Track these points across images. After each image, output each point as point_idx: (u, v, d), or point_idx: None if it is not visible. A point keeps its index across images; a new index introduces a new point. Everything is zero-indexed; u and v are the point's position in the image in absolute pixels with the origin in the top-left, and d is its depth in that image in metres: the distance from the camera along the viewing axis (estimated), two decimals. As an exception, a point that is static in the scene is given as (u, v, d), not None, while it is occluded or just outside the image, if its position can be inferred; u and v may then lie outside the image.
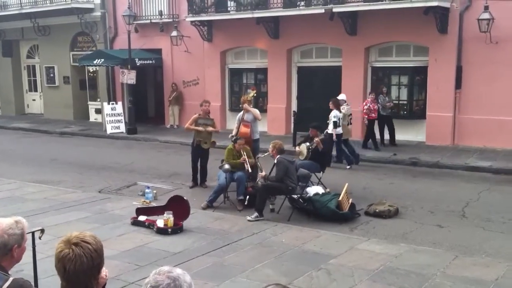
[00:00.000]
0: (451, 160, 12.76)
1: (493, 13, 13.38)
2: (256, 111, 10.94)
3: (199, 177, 10.81)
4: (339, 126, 12.30)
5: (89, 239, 2.37)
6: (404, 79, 15.69)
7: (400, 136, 15.46)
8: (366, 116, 14.20)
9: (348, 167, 12.46)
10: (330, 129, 12.19)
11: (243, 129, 10.56)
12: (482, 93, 13.81)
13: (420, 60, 15.29)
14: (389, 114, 14.58)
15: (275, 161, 8.89)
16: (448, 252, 6.90)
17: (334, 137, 12.19)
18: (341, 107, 12.76)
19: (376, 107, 14.13)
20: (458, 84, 14.45)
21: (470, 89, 13.94)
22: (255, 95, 11.58)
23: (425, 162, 12.76)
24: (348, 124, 13.10)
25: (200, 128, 10.66)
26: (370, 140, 14.31)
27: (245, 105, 10.75)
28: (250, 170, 9.34)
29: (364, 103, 14.33)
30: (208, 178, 10.86)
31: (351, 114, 13.45)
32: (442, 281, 5.89)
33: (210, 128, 10.69)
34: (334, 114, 12.35)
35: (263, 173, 8.92)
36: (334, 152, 12.46)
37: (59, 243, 2.35)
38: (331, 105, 12.58)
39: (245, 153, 9.46)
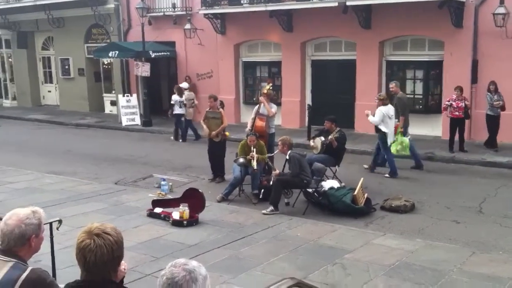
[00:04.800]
0: (467, 155, 12.65)
1: (509, 8, 13.20)
2: (272, 107, 10.72)
3: (216, 170, 10.78)
4: (181, 107, 15.62)
5: (111, 231, 2.39)
6: (419, 74, 15.54)
7: (415, 130, 15.32)
8: (446, 112, 12.98)
9: (194, 139, 15.51)
10: (177, 110, 15.62)
11: (259, 123, 10.50)
12: (498, 87, 13.61)
13: (435, 54, 15.14)
14: (497, 113, 12.82)
15: (287, 157, 8.86)
16: (464, 248, 6.85)
17: (170, 114, 16.04)
18: (184, 93, 15.96)
19: (461, 104, 12.65)
20: (474, 78, 14.31)
21: (486, 84, 13.76)
22: (271, 88, 11.38)
23: (441, 157, 12.65)
24: (190, 107, 16.17)
25: (205, 127, 10.66)
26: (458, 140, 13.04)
27: (261, 98, 10.67)
28: (255, 168, 9.21)
29: (448, 99, 13.07)
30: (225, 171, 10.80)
31: (192, 99, 16.61)
32: (459, 277, 5.86)
33: (213, 133, 10.53)
34: (174, 98, 15.72)
35: (277, 171, 8.88)
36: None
37: (80, 233, 2.38)
38: (175, 90, 15.96)
39: (254, 150, 9.35)
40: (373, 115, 10.94)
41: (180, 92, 15.97)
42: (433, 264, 6.19)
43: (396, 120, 11.21)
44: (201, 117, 11.63)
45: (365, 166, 11.80)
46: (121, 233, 2.45)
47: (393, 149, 10.95)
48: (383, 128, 10.83)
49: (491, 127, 13.04)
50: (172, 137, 16.18)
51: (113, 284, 2.43)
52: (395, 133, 11.01)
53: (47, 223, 4.80)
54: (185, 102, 15.85)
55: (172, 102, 15.92)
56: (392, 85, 12.23)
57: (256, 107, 10.86)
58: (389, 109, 10.95)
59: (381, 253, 6.59)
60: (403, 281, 5.80)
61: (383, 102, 10.93)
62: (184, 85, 16.95)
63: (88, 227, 2.41)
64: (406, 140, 11.09)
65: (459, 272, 6.00)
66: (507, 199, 9.35)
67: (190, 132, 15.98)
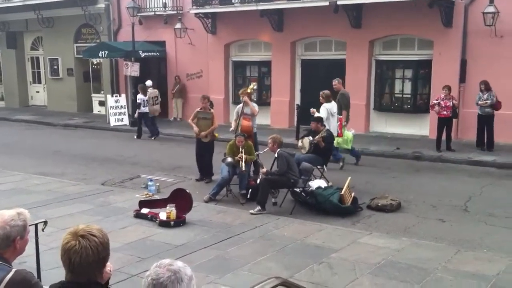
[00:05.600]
0: (455, 154, 12.73)
1: (498, 7, 13.30)
2: (254, 106, 10.86)
3: (204, 170, 10.78)
4: (144, 106, 16.08)
5: (96, 232, 2.39)
6: (408, 73, 15.63)
7: (403, 130, 15.45)
8: (433, 111, 13.16)
9: (152, 138, 16.19)
10: (141, 109, 16.12)
11: (245, 123, 10.53)
12: (490, 87, 13.67)
13: (424, 54, 15.23)
14: (487, 113, 12.78)
15: (276, 155, 8.88)
16: (450, 247, 6.90)
17: (136, 114, 16.37)
18: (147, 92, 16.32)
19: (449, 103, 12.77)
20: (462, 78, 14.41)
21: (474, 83, 13.87)
22: (255, 87, 11.49)
23: (428, 156, 12.73)
24: (153, 104, 16.50)
25: (195, 128, 10.60)
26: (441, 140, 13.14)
27: (245, 98, 10.70)
28: (243, 169, 9.23)
29: (436, 98, 13.24)
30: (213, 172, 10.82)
31: (156, 96, 16.82)
32: (444, 275, 5.90)
33: (203, 133, 10.53)
34: (139, 97, 16.17)
35: (264, 169, 8.90)
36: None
37: (66, 235, 2.37)
38: (139, 90, 16.34)
39: (243, 150, 9.36)
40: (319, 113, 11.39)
41: (145, 90, 16.33)
42: (419, 263, 6.22)
43: (339, 115, 11.75)
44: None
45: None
46: (107, 234, 2.45)
47: (334, 142, 11.12)
48: (326, 124, 11.10)
49: (480, 126, 13.07)
50: (135, 136, 16.50)
51: (98, 285, 2.43)
52: (341, 128, 11.45)
53: (32, 225, 4.78)
54: (148, 99, 16.30)
55: (138, 101, 16.28)
56: (335, 82, 12.82)
57: (239, 107, 10.92)
58: (333, 106, 11.55)
59: (367, 252, 6.62)
60: (389, 279, 5.83)
61: (326, 99, 11.47)
62: (149, 83, 17.19)
63: (73, 228, 2.40)
64: (350, 134, 11.46)
65: (444, 270, 6.04)
66: (492, 197, 9.43)
67: (145, 128, 16.48)
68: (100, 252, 2.35)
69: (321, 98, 11.56)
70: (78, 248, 2.31)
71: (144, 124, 16.38)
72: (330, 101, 11.51)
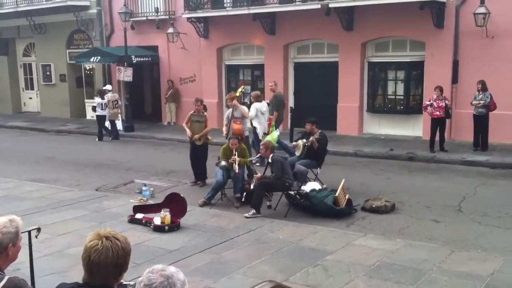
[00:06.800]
0: (448, 154, 12.78)
1: (489, 7, 13.38)
2: (244, 109, 10.96)
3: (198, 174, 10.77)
4: (103, 109, 16.76)
5: (120, 237, 2.41)
6: (401, 74, 15.69)
7: (397, 131, 15.50)
8: (426, 112, 13.19)
9: (110, 139, 16.92)
10: (99, 112, 16.91)
11: (236, 127, 10.61)
12: (487, 87, 13.70)
13: (416, 55, 15.29)
14: (481, 113, 12.78)
15: (269, 160, 8.88)
16: (444, 247, 6.91)
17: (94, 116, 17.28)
18: (106, 95, 16.91)
19: (441, 104, 12.81)
20: (455, 78, 14.48)
21: (467, 84, 13.95)
22: (243, 90, 11.67)
23: (422, 157, 12.77)
24: (113, 108, 17.01)
25: (188, 132, 10.62)
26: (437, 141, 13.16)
27: (235, 102, 10.77)
28: (237, 172, 9.23)
29: (428, 99, 13.26)
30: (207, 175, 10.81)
31: (116, 100, 17.29)
32: (438, 276, 5.91)
33: (196, 136, 10.52)
34: (96, 100, 17.00)
35: (258, 175, 8.90)
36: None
37: (90, 235, 2.39)
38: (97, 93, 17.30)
39: (236, 153, 9.36)
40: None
41: (102, 94, 17.06)
42: (413, 264, 6.24)
43: (271, 115, 12.26)
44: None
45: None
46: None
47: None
48: (255, 122, 11.90)
49: (476, 127, 13.09)
50: (97, 139, 17.07)
51: None
52: (269, 127, 11.74)
53: (25, 232, 4.76)
54: (106, 103, 16.86)
55: (94, 104, 17.13)
56: (271, 84, 13.87)
57: (229, 111, 10.97)
58: (262, 105, 12.14)
59: (362, 253, 6.63)
60: (384, 281, 5.83)
61: (256, 99, 12.07)
62: (108, 87, 17.84)
63: (99, 230, 2.43)
64: (275, 134, 11.68)
65: (438, 270, 6.06)
66: (485, 197, 9.46)
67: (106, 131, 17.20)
68: (120, 256, 2.34)
69: (252, 98, 12.23)
70: (100, 247, 2.32)
71: (98, 125, 17.10)
72: (260, 101, 12.10)
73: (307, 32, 16.45)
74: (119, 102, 17.71)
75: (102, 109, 16.82)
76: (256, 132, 11.95)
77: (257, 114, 11.85)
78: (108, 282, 2.38)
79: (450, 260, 6.37)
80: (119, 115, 17.71)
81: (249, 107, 11.94)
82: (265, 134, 11.59)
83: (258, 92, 12.69)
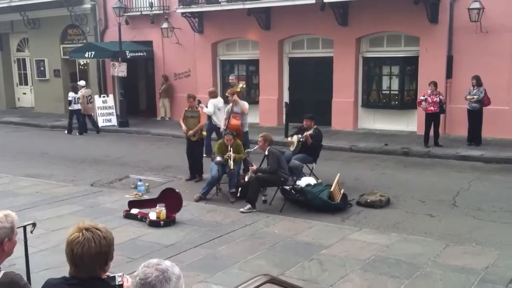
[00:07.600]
0: (442, 149, 12.83)
1: (483, 3, 13.40)
2: (244, 104, 10.93)
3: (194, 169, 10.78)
4: (75, 103, 17.21)
5: (101, 227, 2.42)
6: (395, 69, 15.70)
7: (391, 126, 15.53)
8: (421, 107, 13.22)
9: (80, 134, 17.34)
10: (72, 106, 17.34)
11: (234, 122, 10.57)
12: (481, 82, 13.73)
13: (411, 50, 15.31)
14: (475, 108, 12.81)
15: (266, 153, 8.89)
16: (438, 241, 6.95)
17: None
18: (80, 91, 17.42)
19: (436, 99, 12.82)
20: (449, 73, 14.51)
21: (461, 79, 13.99)
22: (244, 86, 11.61)
23: (417, 152, 12.81)
24: (88, 103, 17.66)
25: (183, 127, 10.67)
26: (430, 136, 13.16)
27: (235, 97, 10.74)
28: (232, 168, 9.24)
29: (423, 94, 13.28)
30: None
31: (90, 95, 17.99)
32: (433, 270, 5.95)
33: (190, 132, 10.54)
34: (70, 94, 17.40)
35: (254, 167, 8.91)
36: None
37: (71, 230, 2.40)
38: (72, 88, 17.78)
39: (231, 149, 9.36)
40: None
41: (75, 89, 17.54)
42: (408, 258, 6.27)
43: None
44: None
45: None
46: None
47: None
48: (214, 118, 12.07)
49: (470, 121, 13.12)
50: (66, 132, 17.70)
51: (100, 281, 2.42)
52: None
53: (20, 227, 4.76)
54: (79, 98, 17.30)
55: (69, 98, 17.48)
56: (232, 77, 14.56)
57: (229, 106, 10.95)
58: (219, 101, 12.43)
59: (357, 248, 6.66)
60: (379, 275, 5.86)
61: (212, 95, 12.38)
62: (82, 83, 18.31)
63: (79, 223, 2.43)
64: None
65: (433, 264, 6.09)
66: (480, 192, 9.51)
67: (90, 125, 17.70)
68: (102, 245, 2.35)
69: (208, 95, 12.50)
70: (81, 239, 2.33)
71: (77, 120, 17.47)
72: (216, 97, 12.38)
73: (302, 27, 16.43)
74: (93, 97, 18.35)
75: (75, 103, 17.28)
76: (217, 127, 12.00)
77: (215, 110, 12.05)
78: (94, 273, 2.38)
79: (444, 254, 6.40)
80: (91, 110, 18.19)
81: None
82: (225, 129, 11.28)
83: (213, 88, 13.08)
